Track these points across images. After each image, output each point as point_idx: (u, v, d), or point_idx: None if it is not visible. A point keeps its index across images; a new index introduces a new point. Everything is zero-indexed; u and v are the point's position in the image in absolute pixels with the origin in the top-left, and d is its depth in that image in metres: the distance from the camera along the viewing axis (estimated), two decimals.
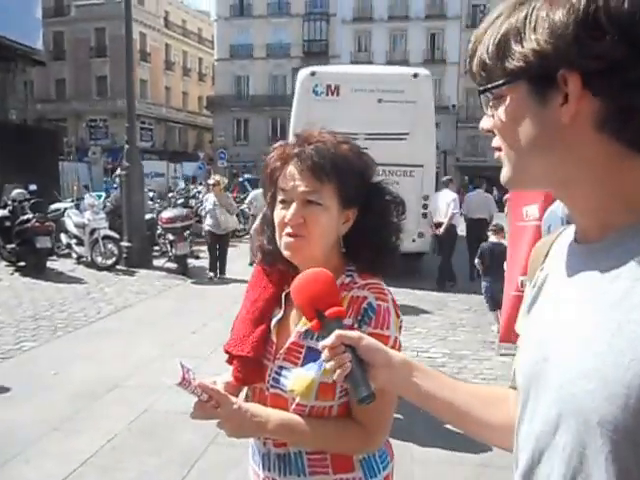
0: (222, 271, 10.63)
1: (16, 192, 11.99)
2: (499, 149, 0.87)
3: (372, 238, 1.37)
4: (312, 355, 1.32)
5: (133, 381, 5.35)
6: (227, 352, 1.46)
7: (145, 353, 6.06)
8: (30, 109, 30.85)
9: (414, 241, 9.43)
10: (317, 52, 42.42)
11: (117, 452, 4.06)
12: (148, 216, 12.49)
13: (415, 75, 10.01)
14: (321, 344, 1.05)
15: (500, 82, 0.80)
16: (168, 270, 11.15)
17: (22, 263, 10.72)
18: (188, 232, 11.17)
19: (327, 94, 9.97)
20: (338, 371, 1.01)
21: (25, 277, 10.25)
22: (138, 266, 11.20)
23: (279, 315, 1.42)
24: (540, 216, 5.64)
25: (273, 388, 1.37)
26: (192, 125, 52.17)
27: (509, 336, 6.08)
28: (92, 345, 6.38)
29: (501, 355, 6.23)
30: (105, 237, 11.19)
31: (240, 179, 27.32)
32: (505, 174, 0.86)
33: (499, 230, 7.48)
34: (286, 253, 1.35)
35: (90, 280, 10.11)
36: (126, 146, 12.05)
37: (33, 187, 13.34)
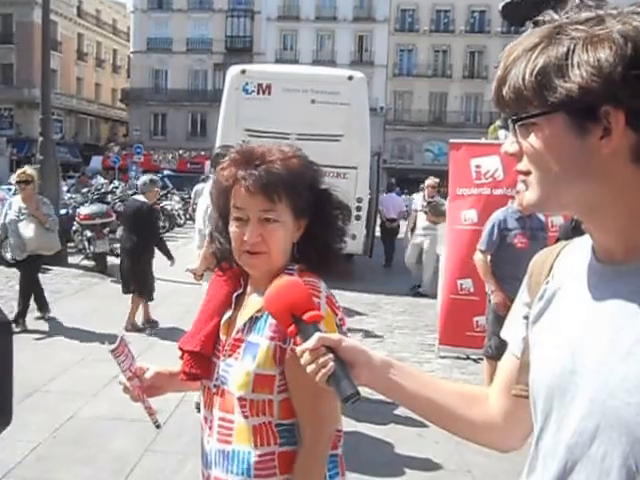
0: (43, 309, 7.18)
1: None
2: (525, 173, 0.89)
3: (320, 243, 1.45)
4: (250, 348, 1.38)
5: (54, 386, 5.02)
6: (179, 349, 1.52)
7: (65, 357, 5.70)
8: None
9: (345, 243, 9.42)
10: (240, 49, 42.03)
11: (44, 462, 3.80)
12: (63, 211, 11.83)
13: (350, 77, 10.03)
14: (300, 348, 1.07)
15: (538, 112, 0.83)
16: (85, 268, 10.64)
17: None
18: (107, 229, 10.70)
19: (258, 93, 9.81)
20: (322, 372, 1.03)
21: None
22: (51, 263, 10.52)
23: (229, 314, 1.47)
24: (479, 221, 5.75)
25: (222, 384, 1.42)
26: (105, 118, 50.41)
27: (449, 339, 6.15)
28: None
29: (441, 357, 6.27)
30: None
31: (159, 175, 26.57)
32: (532, 198, 0.89)
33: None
34: (247, 269, 1.43)
35: None
36: (40, 138, 11.36)
37: None
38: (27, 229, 6.63)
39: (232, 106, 9.83)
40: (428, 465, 4.00)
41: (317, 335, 1.06)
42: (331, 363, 1.03)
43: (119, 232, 9.10)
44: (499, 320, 4.95)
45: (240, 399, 1.37)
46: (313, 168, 1.45)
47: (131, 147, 33.22)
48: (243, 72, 10.01)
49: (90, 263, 10.69)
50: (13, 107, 41.46)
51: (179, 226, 18.06)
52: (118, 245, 11.86)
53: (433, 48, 43.10)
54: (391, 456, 4.09)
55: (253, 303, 1.43)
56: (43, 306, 7.17)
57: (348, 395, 1.02)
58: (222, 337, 1.46)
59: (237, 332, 1.43)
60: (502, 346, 4.45)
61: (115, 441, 4.01)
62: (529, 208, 0.92)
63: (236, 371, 1.38)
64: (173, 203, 19.22)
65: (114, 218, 11.52)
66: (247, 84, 9.84)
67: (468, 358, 6.12)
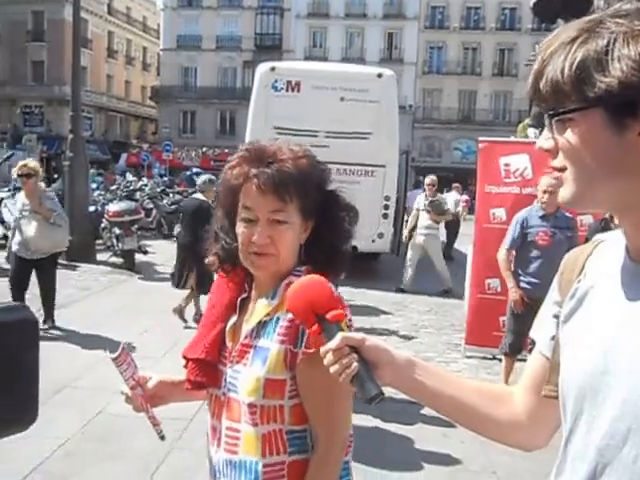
0: (48, 316, 6.70)
1: None
2: (560, 169, 0.88)
3: (327, 245, 1.42)
4: (259, 353, 1.35)
5: (82, 383, 5.06)
6: (184, 357, 1.49)
7: (94, 353, 5.72)
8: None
9: (373, 241, 9.38)
10: (270, 46, 42.02)
11: (71, 458, 3.83)
12: (91, 208, 11.99)
13: (379, 75, 9.96)
14: (324, 348, 1.05)
15: (576, 107, 0.82)
16: (113, 265, 10.70)
17: None
18: (136, 226, 10.79)
19: (287, 90, 9.80)
20: (345, 372, 1.01)
21: None
22: (80, 260, 10.69)
23: (234, 320, 1.44)
24: (507, 220, 5.70)
25: (230, 392, 1.39)
26: (135, 115, 50.91)
27: (475, 339, 6.09)
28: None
29: (467, 357, 6.21)
30: None
31: (188, 172, 26.77)
32: (567, 194, 0.88)
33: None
34: (253, 270, 1.40)
35: None
36: (70, 136, 11.51)
37: None
38: (29, 227, 6.24)
39: (261, 103, 9.84)
40: (453, 465, 3.98)
41: (340, 335, 1.04)
42: (355, 363, 1.02)
43: (176, 229, 9.15)
44: (515, 318, 4.97)
45: (250, 405, 1.33)
46: (321, 168, 1.43)
47: (155, 145, 33.55)
48: (272, 69, 10.01)
49: (118, 260, 10.76)
50: (44, 104, 42.10)
51: None
52: (146, 242, 12.04)
53: (463, 45, 42.70)
54: (416, 456, 4.07)
55: (260, 307, 1.39)
56: (47, 313, 6.68)
57: (372, 395, 1.01)
58: (228, 343, 1.43)
59: (245, 338, 1.39)
60: (516, 343, 4.42)
61: (142, 438, 3.98)
62: (567, 204, 0.90)
63: (245, 377, 1.35)
64: None
65: (143, 215, 11.62)
66: (276, 81, 9.85)
67: (494, 358, 6.05)
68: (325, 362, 1.04)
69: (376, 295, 8.93)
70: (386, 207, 9.71)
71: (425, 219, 9.55)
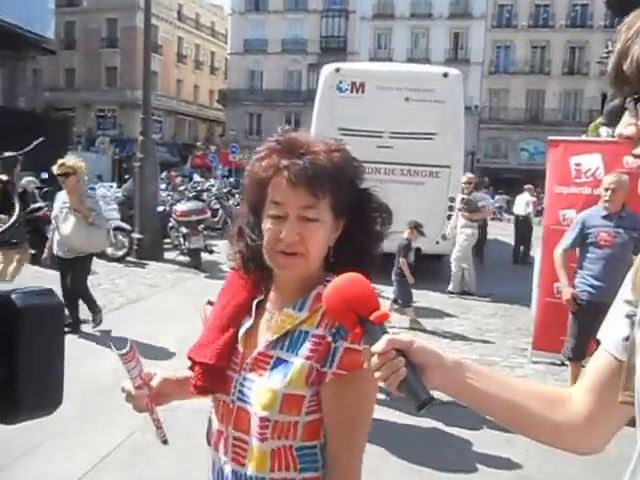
0: (75, 326, 6.42)
1: (27, 180, 11.73)
2: None
3: (357, 247, 1.32)
4: (280, 366, 1.26)
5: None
6: (189, 358, 1.38)
7: (161, 348, 5.87)
8: (39, 97, 30.81)
9: (437, 243, 9.26)
10: (335, 48, 42.26)
11: (136, 449, 3.92)
12: (160, 208, 12.33)
13: (445, 74, 9.83)
14: (369, 351, 0.98)
15: None
16: (180, 263, 10.97)
17: (32, 251, 10.52)
18: (202, 226, 11.01)
19: (352, 91, 9.81)
20: (392, 377, 0.96)
21: (34, 265, 10.05)
22: (149, 258, 11.04)
23: (248, 324, 1.33)
24: None
25: (239, 401, 1.30)
26: (203, 118, 52.17)
27: (543, 343, 5.91)
28: (105, 336, 6.19)
29: (533, 363, 6.04)
30: (116, 228, 11.00)
31: None
32: None
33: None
34: (279, 270, 1.29)
35: (100, 271, 9.91)
36: (140, 137, 11.89)
37: (45, 175, 13.11)
38: (65, 225, 6.10)
39: (326, 105, 9.88)
40: (517, 473, 3.87)
41: (386, 337, 0.98)
42: (403, 368, 0.96)
43: None
44: (576, 321, 4.85)
45: (263, 419, 1.24)
46: (355, 164, 1.32)
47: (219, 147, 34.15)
48: (337, 70, 10.04)
49: (185, 259, 11.01)
50: (116, 108, 43.72)
51: None
52: (212, 242, 12.27)
53: (531, 44, 41.65)
54: (478, 461, 3.98)
55: (285, 317, 1.29)
56: (74, 321, 6.36)
57: (423, 400, 0.95)
58: (240, 348, 1.32)
59: (264, 346, 1.29)
60: (578, 348, 4.25)
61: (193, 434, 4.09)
62: None
63: (260, 389, 1.25)
64: None
65: (209, 215, 11.84)
66: (341, 82, 9.87)
67: (562, 364, 5.85)
68: (370, 366, 0.99)
69: (439, 297, 8.82)
70: (451, 208, 9.56)
71: (461, 218, 9.38)
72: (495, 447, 4.13)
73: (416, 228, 7.36)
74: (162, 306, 7.81)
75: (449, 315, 8.04)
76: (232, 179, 24.20)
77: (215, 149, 39.08)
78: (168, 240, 12.19)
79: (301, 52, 44.18)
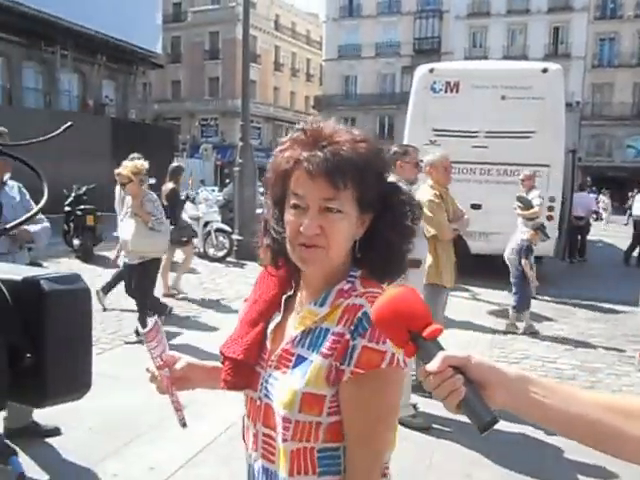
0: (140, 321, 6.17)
1: None
2: None
3: (385, 243, 1.25)
4: (301, 364, 1.21)
5: None
6: (221, 353, 1.35)
7: None
8: (148, 109, 32.55)
9: (536, 244, 8.95)
10: (428, 50, 41.94)
11: (236, 441, 4.03)
12: (259, 211, 12.68)
13: (545, 70, 9.48)
14: (423, 369, 0.92)
15: None
16: None
17: None
18: None
19: (446, 91, 9.68)
20: (451, 397, 0.89)
21: None
22: (248, 259, 11.38)
23: (277, 319, 1.31)
24: None
25: (266, 398, 1.27)
26: (299, 124, 53.08)
27: None
28: (210, 333, 6.46)
29: None
30: (217, 230, 11.51)
31: None
32: None
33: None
34: (300, 264, 1.23)
35: (202, 271, 10.38)
36: (240, 143, 12.31)
37: (152, 181, 13.86)
38: (125, 228, 6.07)
39: (420, 106, 9.82)
40: None
41: (442, 355, 0.91)
42: (462, 387, 0.90)
43: None
44: None
45: (284, 419, 1.20)
46: (382, 156, 1.27)
47: None
48: (431, 71, 9.95)
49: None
50: (218, 117, 45.49)
51: None
52: None
53: (639, 34, 39.27)
54: (576, 471, 3.81)
55: (307, 313, 1.26)
56: (142, 321, 6.10)
57: (486, 422, 0.88)
58: (268, 345, 1.30)
59: (287, 343, 1.26)
60: None
61: None
62: None
63: (282, 386, 1.22)
64: None
65: None
66: (435, 83, 9.77)
67: None
68: (427, 386, 0.92)
69: (535, 301, 8.53)
70: (550, 209, 9.21)
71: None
72: (593, 455, 3.93)
73: (540, 230, 7.14)
74: None
75: (547, 319, 7.76)
76: None
77: None
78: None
79: (395, 55, 44.05)
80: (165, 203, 8.09)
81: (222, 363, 1.36)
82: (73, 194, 11.70)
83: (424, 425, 4.26)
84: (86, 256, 10.76)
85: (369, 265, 1.26)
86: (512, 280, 7.13)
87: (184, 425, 1.41)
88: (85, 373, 0.81)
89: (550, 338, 6.84)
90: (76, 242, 11.16)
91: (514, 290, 7.10)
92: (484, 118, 9.22)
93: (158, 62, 30.41)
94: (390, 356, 1.15)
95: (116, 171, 5.98)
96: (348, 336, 1.17)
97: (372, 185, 1.21)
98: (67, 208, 11.40)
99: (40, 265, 8.69)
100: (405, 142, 8.98)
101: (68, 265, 10.30)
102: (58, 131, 1.05)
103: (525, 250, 6.99)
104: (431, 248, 4.72)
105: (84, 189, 11.77)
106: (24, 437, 3.87)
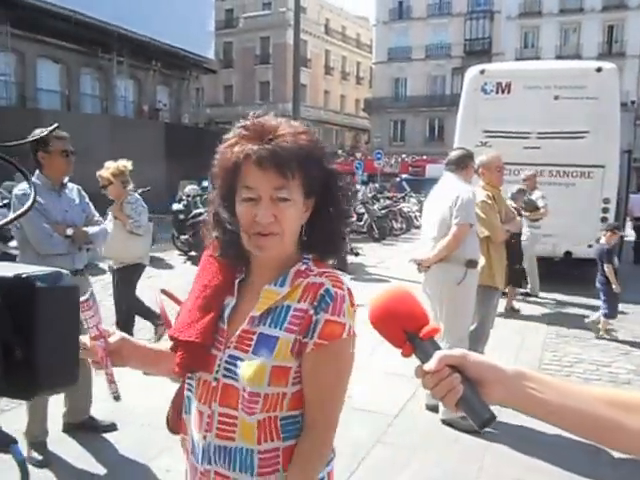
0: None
1: (190, 188, 12.87)
2: None
3: (326, 225, 1.35)
4: (264, 341, 1.29)
5: None
6: (172, 338, 1.39)
7: None
8: (201, 113, 33.18)
9: (590, 247, 8.73)
10: (479, 51, 41.39)
11: None
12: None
13: (599, 69, 9.24)
14: (421, 369, 0.94)
15: None
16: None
17: (193, 253, 11.45)
18: (348, 229, 11.23)
19: (497, 92, 9.55)
20: (449, 395, 0.92)
21: (195, 266, 10.87)
22: None
23: (232, 302, 1.37)
24: None
25: (225, 378, 1.32)
26: (349, 127, 53.27)
27: None
28: None
29: None
30: None
31: (398, 179, 27.31)
32: None
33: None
34: (257, 252, 1.31)
35: None
36: None
37: (206, 183, 14.18)
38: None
39: (470, 108, 9.71)
40: None
41: (438, 354, 0.93)
42: (459, 385, 0.91)
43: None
44: None
45: (252, 394, 1.28)
46: (321, 145, 1.36)
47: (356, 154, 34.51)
48: (482, 72, 9.83)
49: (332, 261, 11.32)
50: None
51: (416, 228, 18.34)
52: (358, 244, 12.51)
53: None
54: (605, 475, 3.71)
55: (267, 294, 1.32)
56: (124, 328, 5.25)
57: (484, 419, 0.91)
58: (223, 326, 1.36)
59: (247, 324, 1.32)
60: None
61: (352, 428, 4.14)
62: None
63: (247, 365, 1.29)
64: (410, 205, 19.59)
65: (355, 219, 12.08)
66: (486, 84, 9.65)
67: None
68: (424, 385, 0.94)
69: (591, 303, 8.30)
70: (605, 210, 8.97)
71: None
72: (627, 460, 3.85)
73: (618, 229, 6.97)
74: None
75: None
76: (377, 184, 24.45)
77: (361, 156, 39.72)
78: None
79: (445, 57, 43.66)
80: None
81: (173, 349, 1.41)
82: None
83: (474, 427, 4.22)
84: None
85: (314, 246, 1.37)
86: (598, 286, 6.94)
87: (117, 398, 1.40)
88: (72, 366, 0.84)
89: (604, 342, 6.67)
90: None
91: (602, 297, 6.90)
92: (536, 119, 9.05)
93: (211, 67, 30.95)
94: (349, 327, 1.28)
95: (97, 173, 5.69)
96: (312, 312, 1.27)
97: (314, 173, 1.30)
98: None
99: (96, 266, 8.98)
100: (456, 144, 8.91)
101: None
102: (45, 132, 1.12)
103: (606, 254, 6.79)
104: (484, 250, 4.69)
105: (139, 192, 12.10)
106: (82, 432, 4.02)
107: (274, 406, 1.30)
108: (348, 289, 1.32)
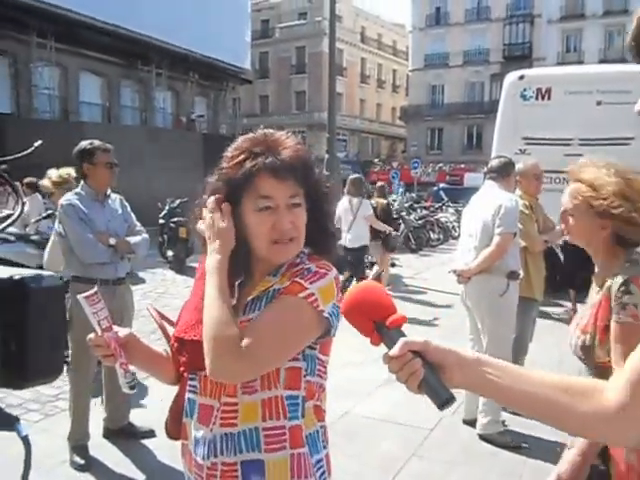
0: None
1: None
2: None
3: (321, 226, 1.44)
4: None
5: (329, 384, 5.34)
6: (177, 338, 1.45)
7: (339, 356, 6.02)
8: (238, 123, 33.55)
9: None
10: (519, 56, 40.83)
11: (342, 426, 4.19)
12: None
13: None
14: (386, 355, 1.02)
15: None
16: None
17: None
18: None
19: (537, 98, 9.38)
20: (411, 378, 1.00)
21: None
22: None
23: (233, 303, 1.40)
24: None
25: None
26: (385, 135, 53.14)
27: None
28: None
29: None
30: None
31: (435, 188, 27.05)
32: None
33: None
34: (278, 259, 1.39)
35: None
36: (326, 156, 12.48)
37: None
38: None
39: (509, 114, 9.57)
40: None
41: (402, 341, 1.01)
42: (421, 368, 1.00)
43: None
44: None
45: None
46: (311, 154, 1.51)
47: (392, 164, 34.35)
48: (521, 78, 9.68)
49: (369, 271, 11.23)
50: (305, 130, 46.11)
51: (454, 238, 18.11)
52: (394, 255, 12.39)
53: None
54: None
55: (262, 282, 1.41)
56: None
57: (443, 400, 0.99)
58: None
59: (242, 313, 1.39)
60: None
61: (384, 441, 4.11)
62: None
63: None
64: (448, 215, 19.34)
65: (392, 229, 11.96)
66: (525, 90, 9.49)
67: None
68: (389, 370, 1.02)
69: None
70: None
71: None
72: None
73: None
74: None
75: None
76: (413, 194, 24.28)
77: (397, 165, 39.60)
78: None
79: (483, 63, 43.22)
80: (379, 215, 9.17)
81: (178, 350, 1.46)
82: (167, 207, 12.22)
83: (513, 443, 4.13)
84: (179, 267, 11.18)
85: (311, 245, 1.46)
86: None
87: (133, 388, 1.44)
88: (58, 360, 0.93)
89: None
90: (170, 253, 11.64)
91: None
92: (578, 125, 8.85)
93: (247, 78, 31.32)
94: (310, 293, 1.32)
95: (39, 182, 5.46)
96: (287, 283, 1.35)
97: (312, 179, 1.42)
98: (161, 221, 11.92)
99: (136, 275, 9.13)
100: (494, 152, 8.78)
101: (162, 275, 10.76)
102: (30, 149, 1.29)
103: None
104: (522, 260, 4.57)
105: (177, 202, 12.28)
106: (122, 437, 4.08)
107: (274, 382, 1.35)
108: (335, 278, 1.38)
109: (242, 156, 1.37)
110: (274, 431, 1.35)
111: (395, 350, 1.01)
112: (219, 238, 1.38)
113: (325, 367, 1.48)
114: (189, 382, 1.46)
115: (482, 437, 4.22)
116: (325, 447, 1.48)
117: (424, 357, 1.01)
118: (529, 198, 4.80)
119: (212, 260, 1.37)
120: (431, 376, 1.00)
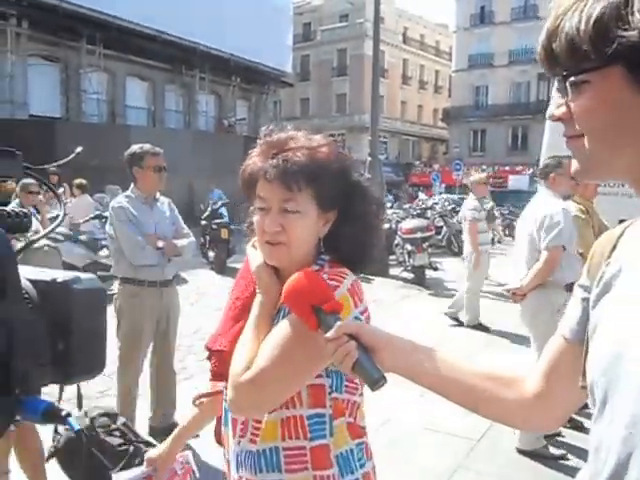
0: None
1: None
2: (575, 137, 0.82)
3: (348, 238, 1.37)
4: None
5: (368, 391, 5.31)
6: (207, 348, 1.47)
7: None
8: (279, 126, 33.79)
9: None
10: None
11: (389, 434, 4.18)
12: (386, 226, 12.65)
13: None
14: (323, 337, 1.07)
15: (594, 66, 0.76)
16: (405, 280, 11.12)
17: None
18: (427, 243, 11.06)
19: None
20: (345, 360, 1.04)
21: None
22: (375, 274, 11.35)
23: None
24: None
25: None
26: (426, 137, 52.69)
27: None
28: None
29: None
30: None
31: None
32: (582, 164, 0.84)
33: None
34: (267, 260, 1.37)
35: None
36: (368, 158, 12.41)
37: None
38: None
39: None
40: None
41: (338, 324, 1.07)
42: (354, 350, 1.04)
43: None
44: None
45: None
46: (344, 158, 1.39)
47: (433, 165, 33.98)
48: None
49: (409, 275, 11.13)
50: (345, 132, 46.15)
51: (498, 242, 17.77)
52: (436, 259, 12.29)
53: None
54: None
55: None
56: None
57: (375, 379, 1.03)
58: None
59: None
60: None
61: (428, 452, 4.04)
62: (580, 176, 0.86)
63: None
64: None
65: (433, 232, 11.85)
66: None
67: None
68: (325, 352, 1.07)
69: None
70: None
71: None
72: None
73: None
74: (389, 319, 8.01)
75: None
76: (456, 197, 23.96)
77: (438, 167, 39.26)
78: (393, 257, 12.47)
79: (530, 62, 42.40)
80: None
81: (208, 358, 1.48)
82: (209, 209, 12.36)
83: (557, 455, 4.02)
84: (220, 268, 11.29)
85: (340, 256, 1.39)
86: None
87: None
88: (101, 356, 0.97)
89: None
90: (211, 254, 11.77)
91: None
92: None
93: (288, 81, 31.54)
94: None
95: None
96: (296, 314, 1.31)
97: (331, 186, 1.33)
98: (203, 222, 12.06)
99: (178, 276, 9.32)
100: (543, 153, 8.55)
101: (204, 276, 10.86)
102: (71, 156, 1.30)
103: None
104: None
105: (219, 204, 12.40)
106: (166, 436, 4.10)
107: (295, 401, 1.31)
108: (351, 285, 1.29)
109: (254, 155, 1.39)
110: (294, 451, 1.32)
111: (332, 332, 1.06)
112: (265, 294, 1.36)
113: (356, 382, 1.37)
114: (224, 391, 1.46)
115: (521, 452, 4.09)
116: (364, 465, 1.39)
117: (358, 340, 1.06)
118: (584, 202, 4.59)
119: (259, 306, 1.35)
120: (364, 358, 1.04)
